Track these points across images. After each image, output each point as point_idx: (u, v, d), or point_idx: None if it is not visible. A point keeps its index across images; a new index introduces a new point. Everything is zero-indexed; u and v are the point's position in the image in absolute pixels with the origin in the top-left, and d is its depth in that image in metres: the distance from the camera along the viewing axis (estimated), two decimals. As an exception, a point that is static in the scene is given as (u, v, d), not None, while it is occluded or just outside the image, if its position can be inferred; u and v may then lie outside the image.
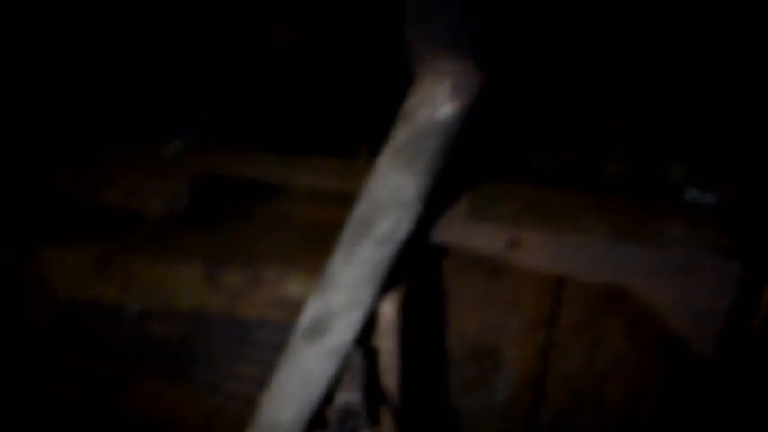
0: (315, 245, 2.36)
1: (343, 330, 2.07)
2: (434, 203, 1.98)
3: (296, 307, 2.27)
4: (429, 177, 1.92)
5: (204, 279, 2.37)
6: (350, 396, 2.08)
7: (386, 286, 2.06)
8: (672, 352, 2.31)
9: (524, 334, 2.51)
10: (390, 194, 1.92)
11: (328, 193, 2.48)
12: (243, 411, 2.48)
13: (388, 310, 2.15)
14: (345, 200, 2.34)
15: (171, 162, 2.54)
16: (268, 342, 2.36)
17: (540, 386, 2.54)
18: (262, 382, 2.39)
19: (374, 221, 1.94)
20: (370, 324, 2.14)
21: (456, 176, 2.10)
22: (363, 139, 2.54)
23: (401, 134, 1.92)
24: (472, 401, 2.57)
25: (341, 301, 2.04)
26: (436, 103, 1.88)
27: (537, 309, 2.48)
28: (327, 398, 2.20)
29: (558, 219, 2.33)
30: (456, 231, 2.27)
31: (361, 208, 1.96)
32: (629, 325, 2.40)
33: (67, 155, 2.66)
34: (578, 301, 2.40)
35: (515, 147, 2.82)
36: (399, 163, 1.91)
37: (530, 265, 2.23)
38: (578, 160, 2.90)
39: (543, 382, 2.54)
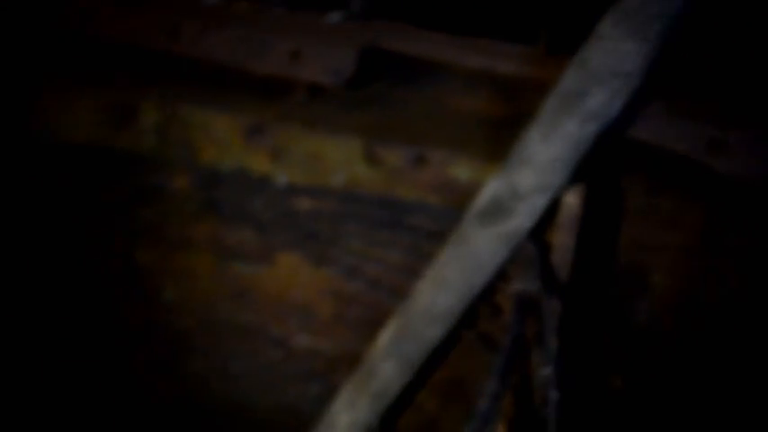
0: (483, 132, 2.22)
1: (525, 215, 1.94)
2: (651, 83, 1.84)
3: (460, 192, 2.15)
4: (658, 49, 1.78)
5: (362, 155, 2.24)
6: (527, 285, 1.94)
7: (577, 174, 1.92)
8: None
9: (678, 256, 2.36)
10: (610, 63, 1.78)
11: (499, 80, 2.33)
12: (381, 300, 2.36)
13: (573, 201, 2.01)
14: (519, 89, 2.20)
15: (334, 30, 2.40)
16: (424, 228, 2.23)
17: (687, 313, 2.40)
18: (411, 270, 2.26)
19: (585, 94, 1.80)
20: (550, 214, 1.99)
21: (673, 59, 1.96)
22: (544, 24, 2.38)
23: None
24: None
25: (529, 181, 1.91)
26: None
27: (696, 231, 2.33)
28: (490, 287, 2.06)
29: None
30: (652, 127, 2.13)
31: (570, 79, 1.82)
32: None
33: (215, 15, 2.52)
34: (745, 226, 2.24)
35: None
36: (625, 28, 1.77)
37: (734, 171, 2.08)
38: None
39: (691, 309, 2.40)
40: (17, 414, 2.75)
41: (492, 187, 2.01)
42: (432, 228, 2.22)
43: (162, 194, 2.47)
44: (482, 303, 2.12)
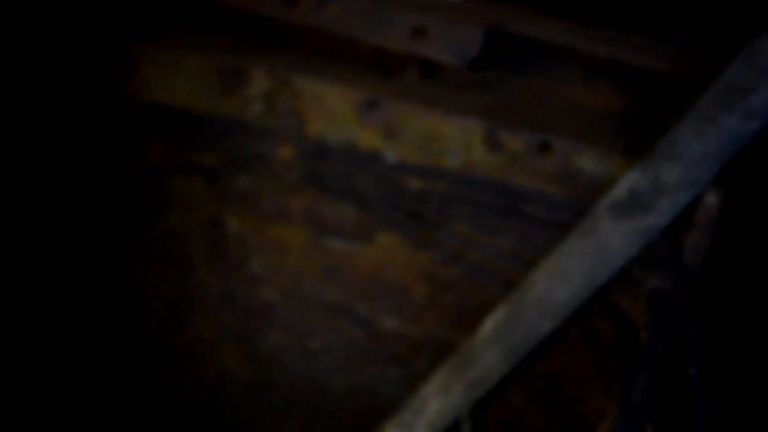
0: (607, 124, 2.19)
1: (665, 211, 1.91)
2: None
3: (583, 184, 2.11)
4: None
5: (482, 139, 2.20)
6: (661, 281, 1.91)
7: (726, 173, 1.89)
8: None
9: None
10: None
11: (625, 73, 2.29)
12: (481, 288, 2.33)
13: (712, 200, 1.98)
14: (647, 83, 2.16)
15: (460, 9, 2.36)
16: (539, 217, 2.19)
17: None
18: (518, 259, 2.23)
19: (749, 90, 1.76)
20: (687, 212, 1.96)
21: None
22: (681, 23, 2.35)
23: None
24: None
25: (674, 177, 1.88)
26: None
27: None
28: (612, 283, 2.03)
29: None
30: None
31: (734, 74, 1.79)
32: None
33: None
34: None
35: None
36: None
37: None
38: None
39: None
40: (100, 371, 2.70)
41: (630, 180, 1.98)
42: (548, 217, 2.18)
43: (263, 163, 2.42)
44: (601, 299, 2.08)
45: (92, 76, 2.55)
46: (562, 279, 2.07)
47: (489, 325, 2.22)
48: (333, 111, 2.36)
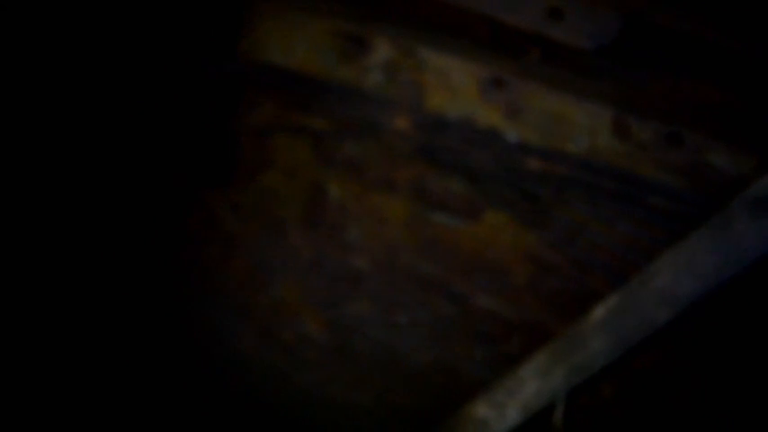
0: (743, 121, 2.20)
1: (807, 212, 1.92)
2: None
3: (713, 179, 2.13)
4: None
5: (610, 125, 2.21)
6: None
7: None
8: None
9: None
10: None
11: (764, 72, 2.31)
12: (587, 275, 2.35)
13: None
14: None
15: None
16: (662, 208, 2.21)
17: None
18: (633, 249, 2.25)
19: None
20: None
21: None
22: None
23: None
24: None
25: (822, 179, 1.89)
26: None
27: None
28: (741, 279, 2.05)
29: None
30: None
31: None
32: None
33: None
34: None
35: None
36: None
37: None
38: None
39: None
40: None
41: (772, 179, 1.99)
42: (671, 210, 2.19)
43: (374, 132, 2.42)
44: (726, 294, 2.10)
45: (206, 29, 2.54)
46: (688, 271, 2.08)
47: (600, 311, 2.23)
48: (455, 85, 2.36)
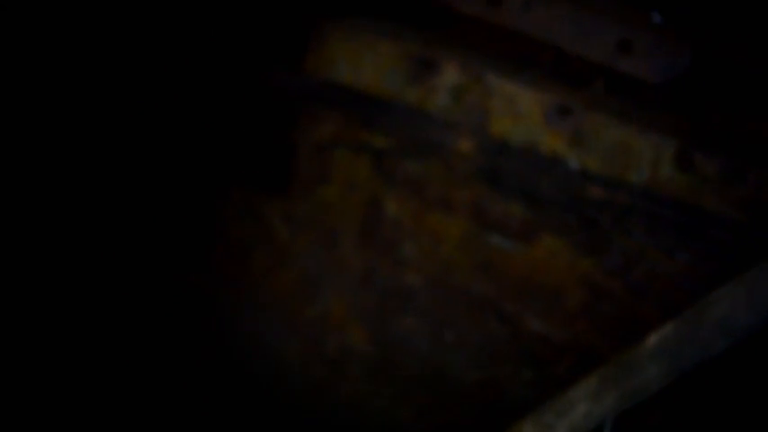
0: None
1: None
2: None
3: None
4: None
5: (673, 157, 2.28)
6: None
7: None
8: None
9: None
10: None
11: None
12: (641, 303, 2.41)
13: None
14: None
15: (666, 27, 2.44)
16: (722, 241, 2.28)
17: None
18: (690, 279, 2.31)
19: None
20: None
21: None
22: None
23: None
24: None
25: None
26: None
27: None
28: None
29: None
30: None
31: None
32: None
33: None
34: None
35: None
36: None
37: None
38: None
39: None
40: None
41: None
42: (731, 243, 2.25)
43: (437, 153, 2.49)
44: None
45: (275, 48, 2.60)
46: (745, 303, 2.14)
47: (655, 338, 2.29)
48: (521, 112, 2.43)
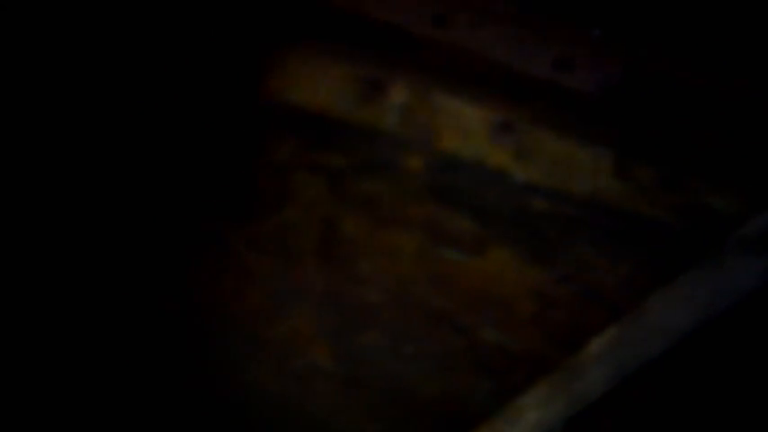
0: (742, 164, 2.32)
1: (794, 251, 2.06)
2: None
3: (710, 220, 2.25)
4: None
5: (612, 167, 2.35)
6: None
7: None
8: None
9: None
10: None
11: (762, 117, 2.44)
12: (590, 310, 2.45)
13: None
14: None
15: (603, 43, 2.51)
16: (661, 247, 2.34)
17: None
18: (634, 285, 2.37)
19: None
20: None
21: None
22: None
23: None
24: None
25: (810, 220, 2.03)
26: None
27: None
28: (732, 316, 2.18)
29: None
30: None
31: None
32: None
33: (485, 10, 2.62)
34: None
35: None
36: None
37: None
38: None
39: None
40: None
41: (762, 218, 2.13)
42: (668, 249, 2.32)
43: (389, 171, 2.56)
44: (721, 330, 2.23)
45: (231, 74, 2.69)
46: (681, 306, 2.21)
47: (598, 343, 2.36)
48: (467, 128, 2.51)
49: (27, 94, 2.74)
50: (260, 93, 2.67)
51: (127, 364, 2.85)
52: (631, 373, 2.31)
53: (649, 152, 2.37)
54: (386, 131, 2.54)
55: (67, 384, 2.83)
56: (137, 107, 2.74)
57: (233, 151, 2.70)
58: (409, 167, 2.54)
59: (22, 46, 2.71)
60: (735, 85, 2.43)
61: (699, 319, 2.19)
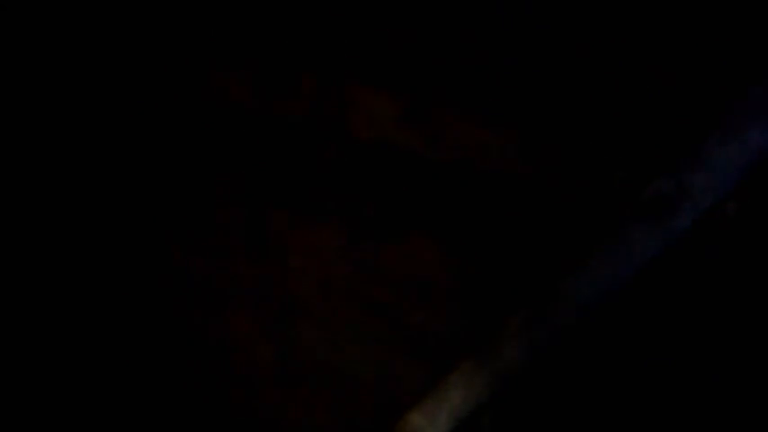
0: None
1: (689, 214, 2.08)
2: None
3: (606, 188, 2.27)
4: None
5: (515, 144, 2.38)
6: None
7: (747, 181, 2.06)
8: None
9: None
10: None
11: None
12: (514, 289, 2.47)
13: (732, 208, 2.15)
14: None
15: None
16: (564, 223, 2.36)
17: None
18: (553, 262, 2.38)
19: (773, 106, 1.94)
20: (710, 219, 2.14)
21: None
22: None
23: None
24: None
25: (699, 182, 2.05)
26: None
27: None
28: (637, 282, 2.20)
29: None
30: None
31: (759, 89, 1.96)
32: None
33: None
34: None
35: None
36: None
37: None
38: None
39: None
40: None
41: (657, 184, 2.15)
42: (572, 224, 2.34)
43: (305, 163, 2.59)
44: (628, 297, 2.25)
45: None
46: (587, 277, 2.23)
47: (513, 320, 2.38)
48: (377, 116, 2.54)
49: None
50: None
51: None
52: (545, 346, 2.33)
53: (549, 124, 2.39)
54: (298, 122, 2.57)
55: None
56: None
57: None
58: (328, 156, 2.57)
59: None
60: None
61: (605, 290, 2.21)
